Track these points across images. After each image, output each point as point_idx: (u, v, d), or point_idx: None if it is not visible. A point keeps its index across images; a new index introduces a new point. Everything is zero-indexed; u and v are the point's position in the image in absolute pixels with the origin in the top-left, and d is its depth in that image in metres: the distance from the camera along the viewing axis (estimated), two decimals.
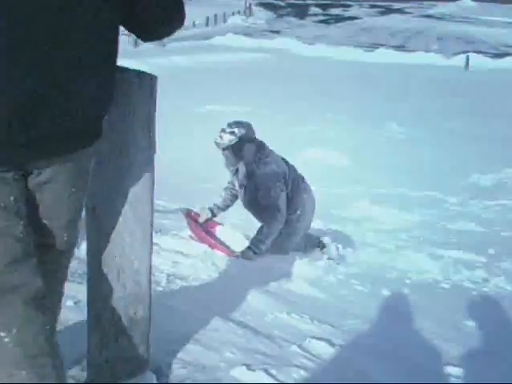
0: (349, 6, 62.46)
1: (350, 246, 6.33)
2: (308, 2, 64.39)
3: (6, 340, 1.77)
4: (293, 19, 50.60)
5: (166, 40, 31.49)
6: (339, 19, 51.31)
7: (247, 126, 5.10)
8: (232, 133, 5.00)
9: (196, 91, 18.62)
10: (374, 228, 7.66)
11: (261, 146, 5.17)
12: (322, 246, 5.87)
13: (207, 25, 41.98)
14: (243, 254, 5.02)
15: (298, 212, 5.46)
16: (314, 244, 5.89)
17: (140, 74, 2.10)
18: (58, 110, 1.80)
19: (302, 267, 5.00)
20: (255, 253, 5.06)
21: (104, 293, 2.27)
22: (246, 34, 37.60)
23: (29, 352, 1.79)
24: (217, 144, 5.09)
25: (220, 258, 4.75)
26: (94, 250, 2.26)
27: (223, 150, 5.09)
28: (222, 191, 5.63)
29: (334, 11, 57.36)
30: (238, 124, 5.07)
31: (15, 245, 1.78)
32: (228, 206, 5.66)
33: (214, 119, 15.08)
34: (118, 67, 2.02)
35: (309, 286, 4.48)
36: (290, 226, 5.39)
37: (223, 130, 5.04)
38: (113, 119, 2.10)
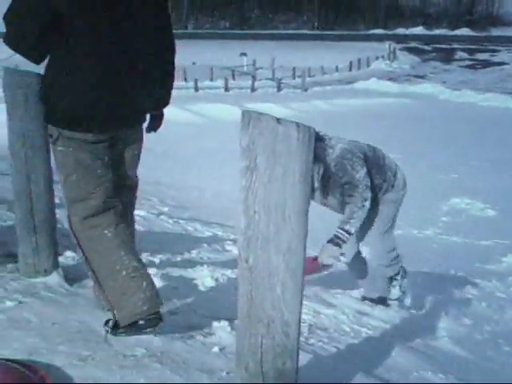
0: (497, 51, 60.89)
1: (496, 302, 6.07)
2: (454, 46, 63.43)
3: (109, 234, 3.15)
4: (438, 64, 49.89)
5: (308, 84, 31.93)
6: (486, 64, 50.09)
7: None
8: None
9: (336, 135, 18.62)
10: None
11: (320, 138, 4.47)
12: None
13: (350, 69, 42.15)
14: (323, 253, 4.30)
15: (399, 174, 4.82)
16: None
17: (299, 126, 2.12)
18: (132, 101, 3.19)
19: (447, 323, 4.82)
20: (340, 243, 4.29)
21: (253, 343, 2.28)
22: (389, 79, 37.47)
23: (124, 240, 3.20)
24: None
25: (361, 309, 4.65)
26: (246, 300, 2.28)
27: None
28: None
29: (481, 56, 56.11)
30: None
31: (107, 183, 3.21)
32: None
33: None
34: (277, 118, 2.09)
35: (454, 344, 4.30)
36: (395, 190, 4.78)
37: None
38: (271, 171, 2.13)
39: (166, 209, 8.30)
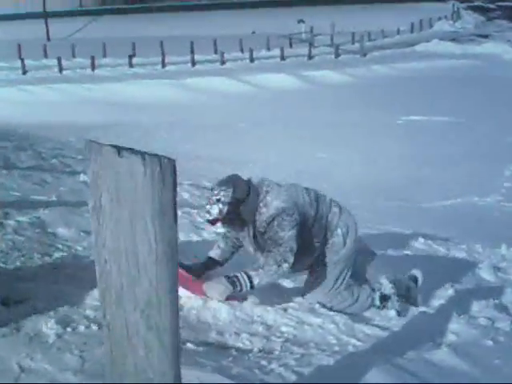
0: None
1: None
2: None
3: None
4: (504, 22, 47.81)
5: (367, 49, 31.06)
6: None
7: (233, 185, 4.00)
8: (218, 201, 3.93)
9: (395, 101, 18.03)
10: None
11: (255, 192, 4.07)
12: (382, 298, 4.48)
13: (412, 31, 40.85)
14: (214, 286, 3.84)
15: (339, 231, 4.28)
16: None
17: (146, 159, 1.68)
18: None
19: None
20: (236, 285, 3.82)
21: None
22: (452, 40, 36.11)
23: None
24: (209, 222, 4.09)
25: (341, 321, 4.08)
26: (108, 360, 1.90)
27: (221, 223, 4.10)
28: (219, 240, 4.41)
29: None
30: (221, 188, 3.95)
31: None
32: (227, 260, 4.35)
33: (414, 130, 14.42)
34: (119, 150, 1.66)
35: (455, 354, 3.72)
36: (334, 251, 4.27)
37: (208, 203, 3.99)
38: (119, 212, 1.72)
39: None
